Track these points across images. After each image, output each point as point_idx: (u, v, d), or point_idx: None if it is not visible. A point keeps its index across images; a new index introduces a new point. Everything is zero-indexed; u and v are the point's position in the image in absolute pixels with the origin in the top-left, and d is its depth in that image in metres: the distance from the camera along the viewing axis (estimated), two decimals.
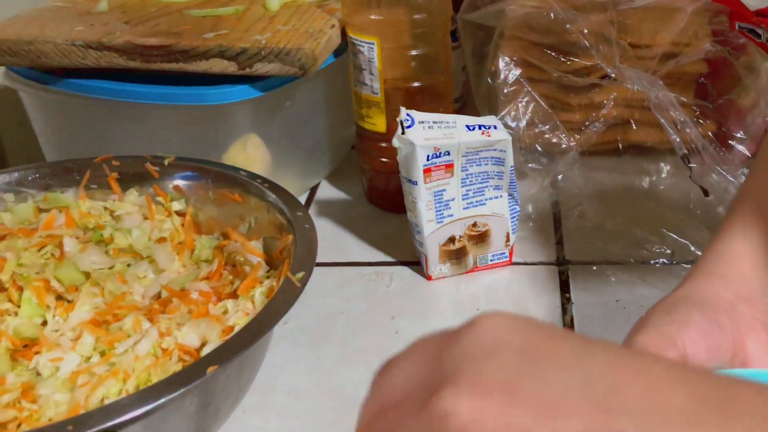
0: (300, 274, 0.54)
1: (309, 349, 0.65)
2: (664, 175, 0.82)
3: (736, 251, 0.47)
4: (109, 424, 0.43)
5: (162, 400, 0.44)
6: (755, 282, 0.46)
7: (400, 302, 0.71)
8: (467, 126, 0.69)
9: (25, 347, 0.57)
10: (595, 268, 0.73)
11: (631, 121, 0.83)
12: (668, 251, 0.73)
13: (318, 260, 0.74)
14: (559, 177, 0.80)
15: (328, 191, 0.86)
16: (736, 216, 0.48)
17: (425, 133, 0.68)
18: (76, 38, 0.68)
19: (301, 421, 0.58)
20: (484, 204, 0.72)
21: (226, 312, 0.57)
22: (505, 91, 0.79)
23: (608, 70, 0.77)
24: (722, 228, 0.49)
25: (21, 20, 0.76)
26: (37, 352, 0.55)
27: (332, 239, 0.78)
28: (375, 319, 0.69)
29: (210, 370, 0.46)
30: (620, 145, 0.85)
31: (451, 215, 0.71)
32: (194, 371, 0.46)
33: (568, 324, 0.66)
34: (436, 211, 0.71)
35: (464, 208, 0.72)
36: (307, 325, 0.68)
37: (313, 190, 0.86)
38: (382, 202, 0.82)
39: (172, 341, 0.54)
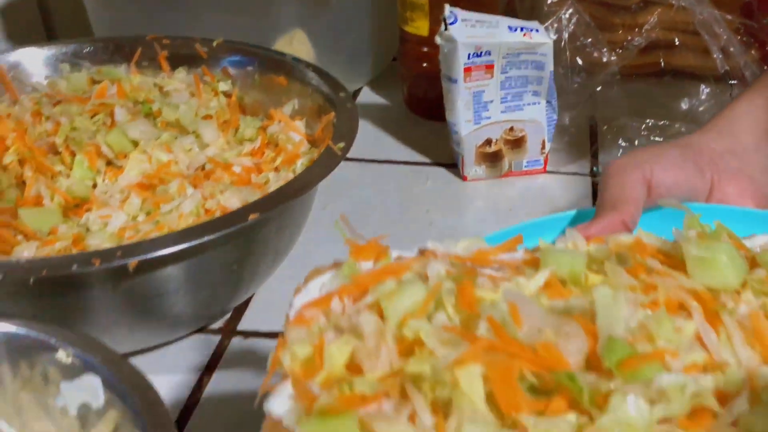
0: (341, 144, 0.56)
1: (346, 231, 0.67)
2: (703, 97, 0.83)
3: (737, 114, 0.50)
4: (156, 254, 0.46)
5: (205, 239, 0.47)
6: (747, 139, 0.49)
7: (435, 199, 0.72)
8: (509, 27, 0.70)
9: (76, 207, 0.59)
10: None
11: (675, 41, 0.84)
12: None
13: (356, 156, 0.77)
14: (598, 90, 0.81)
15: (369, 97, 0.88)
16: (748, 90, 0.51)
17: (468, 30, 0.69)
18: None
19: None
20: (522, 109, 0.73)
21: (267, 182, 0.59)
22: (549, 1, 0.79)
23: None
24: (733, 100, 0.51)
25: None
26: (87, 210, 0.58)
27: (371, 140, 0.80)
28: (410, 211, 0.70)
29: (251, 216, 0.48)
30: (662, 67, 0.85)
31: (489, 117, 0.73)
32: (236, 217, 0.49)
33: None
34: (474, 111, 0.72)
35: (502, 112, 0.73)
36: (344, 211, 0.70)
37: (354, 95, 0.88)
38: (421, 109, 0.84)
39: (215, 203, 0.57)
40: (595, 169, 0.76)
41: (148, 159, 0.61)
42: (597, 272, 0.35)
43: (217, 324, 0.58)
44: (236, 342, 0.56)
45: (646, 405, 0.28)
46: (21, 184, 0.61)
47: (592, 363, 0.30)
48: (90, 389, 0.40)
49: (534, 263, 0.36)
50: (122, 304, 0.48)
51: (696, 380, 0.28)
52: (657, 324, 0.30)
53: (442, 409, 0.28)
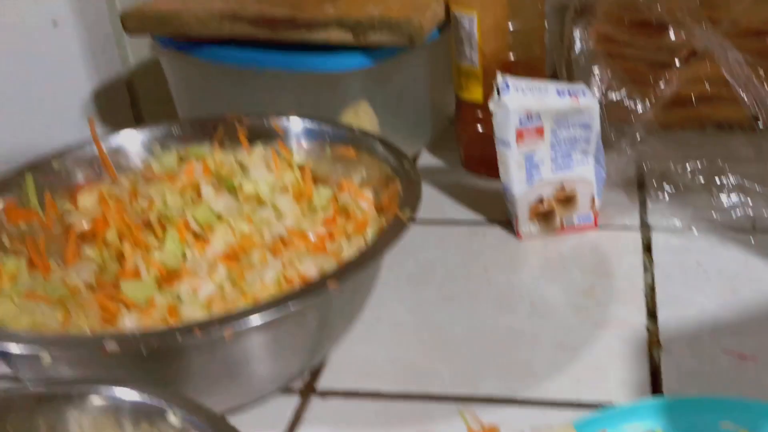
0: (406, 212, 0.61)
1: (411, 291, 0.73)
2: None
3: None
4: (249, 324, 0.51)
5: (291, 309, 0.52)
6: None
7: (492, 256, 0.77)
8: (558, 91, 0.75)
9: (169, 277, 0.65)
10: (678, 223, 0.78)
11: (713, 97, 0.88)
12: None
13: (420, 218, 0.82)
14: (642, 142, 0.85)
15: (428, 159, 0.94)
16: None
17: (519, 97, 0.74)
18: (214, 10, 0.78)
19: (404, 351, 0.66)
20: (572, 168, 0.78)
21: (341, 250, 0.65)
22: (582, 62, 0.84)
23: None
24: None
25: None
26: (178, 279, 0.64)
27: (432, 201, 0.86)
28: (470, 270, 0.76)
29: (331, 286, 0.54)
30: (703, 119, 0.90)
31: (541, 177, 0.78)
32: (317, 286, 0.54)
33: (649, 283, 0.72)
34: (527, 172, 0.77)
35: (553, 171, 0.78)
36: (410, 272, 0.75)
37: (414, 158, 0.94)
38: (477, 168, 0.89)
39: (294, 272, 0.63)
40: (644, 221, 0.80)
41: (232, 231, 0.67)
42: None
43: (297, 384, 0.63)
44: (315, 401, 0.62)
45: None
46: (120, 257, 0.68)
47: None
48: None
49: None
50: (216, 369, 0.54)
51: None
52: None
53: None
